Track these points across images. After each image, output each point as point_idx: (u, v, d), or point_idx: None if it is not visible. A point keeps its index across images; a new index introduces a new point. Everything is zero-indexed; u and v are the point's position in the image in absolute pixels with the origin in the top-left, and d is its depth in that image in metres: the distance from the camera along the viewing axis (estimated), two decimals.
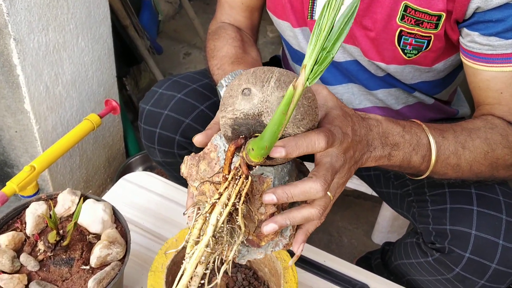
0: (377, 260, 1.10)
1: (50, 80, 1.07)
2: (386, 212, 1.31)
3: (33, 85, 1.03)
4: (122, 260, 0.72)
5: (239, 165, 0.49)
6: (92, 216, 0.75)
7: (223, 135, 0.53)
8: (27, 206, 0.76)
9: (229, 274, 0.77)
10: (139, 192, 1.01)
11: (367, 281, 0.93)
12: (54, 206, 0.78)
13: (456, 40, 0.77)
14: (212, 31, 0.98)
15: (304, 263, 0.93)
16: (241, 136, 0.50)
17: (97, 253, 0.70)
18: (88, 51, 1.16)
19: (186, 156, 0.57)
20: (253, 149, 0.47)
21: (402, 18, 0.76)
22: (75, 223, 0.68)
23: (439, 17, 0.73)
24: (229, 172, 0.50)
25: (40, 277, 0.70)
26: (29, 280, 0.69)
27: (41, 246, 0.72)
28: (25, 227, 0.75)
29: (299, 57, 0.96)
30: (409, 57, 0.80)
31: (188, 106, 0.93)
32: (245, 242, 0.55)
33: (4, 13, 0.90)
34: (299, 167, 0.60)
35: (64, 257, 0.72)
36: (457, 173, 0.71)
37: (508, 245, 0.74)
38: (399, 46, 0.79)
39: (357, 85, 0.91)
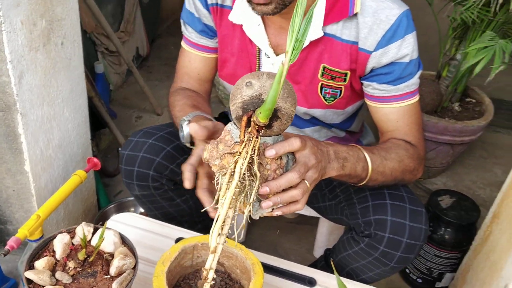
0: (322, 263, 1.40)
1: (44, 145, 1.31)
2: (323, 229, 1.62)
3: (32, 149, 1.26)
4: (134, 268, 0.97)
5: (250, 130, 0.75)
6: (106, 240, 0.99)
7: (235, 117, 0.78)
8: (54, 238, 0.99)
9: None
10: (126, 228, 1.25)
11: (314, 276, 1.21)
12: (73, 237, 1.02)
13: (359, 90, 1.12)
14: (174, 90, 1.24)
15: (264, 267, 1.21)
16: (250, 110, 0.76)
17: (116, 264, 0.95)
18: (71, 120, 1.41)
19: (206, 145, 0.82)
20: (260, 112, 0.74)
21: (322, 75, 1.10)
22: (100, 243, 0.93)
23: (346, 74, 1.09)
24: (244, 136, 0.76)
25: (73, 287, 0.93)
26: None
27: (71, 264, 0.95)
28: (54, 254, 0.98)
29: None
30: (328, 103, 1.14)
31: (158, 149, 1.19)
32: (258, 196, 0.80)
33: (14, 94, 1.15)
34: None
35: (89, 271, 0.95)
36: (383, 178, 1.03)
37: (413, 224, 1.06)
38: (321, 94, 1.13)
39: (290, 126, 1.24)
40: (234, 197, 0.76)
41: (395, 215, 1.06)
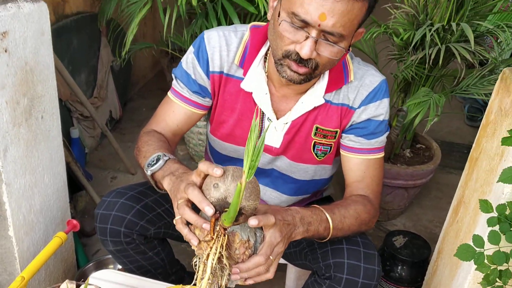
0: None
1: (26, 210, 1.42)
2: (291, 275, 1.74)
3: (15, 215, 1.37)
4: None
5: (218, 229, 0.91)
6: None
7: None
8: None
9: None
10: (106, 284, 1.35)
11: None
12: None
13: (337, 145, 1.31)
14: (148, 131, 1.33)
15: None
16: (216, 212, 0.90)
17: None
18: (50, 185, 1.53)
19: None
20: (225, 219, 0.90)
21: (315, 134, 1.28)
22: None
23: (336, 132, 1.28)
24: (214, 233, 0.91)
25: None
26: None
27: None
28: None
29: (223, 160, 1.41)
30: (319, 158, 1.32)
31: (128, 207, 1.30)
32: (231, 274, 0.96)
33: (0, 166, 1.27)
34: None
35: None
36: (342, 233, 1.18)
37: (367, 266, 1.19)
38: (313, 151, 1.31)
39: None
40: (209, 281, 0.90)
41: (351, 258, 1.20)
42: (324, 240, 1.17)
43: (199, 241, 0.94)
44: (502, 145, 0.94)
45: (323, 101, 1.24)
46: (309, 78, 1.14)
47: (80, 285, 1.13)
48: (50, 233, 1.57)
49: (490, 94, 1.81)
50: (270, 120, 1.28)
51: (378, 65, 2.12)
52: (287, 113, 1.26)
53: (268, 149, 1.31)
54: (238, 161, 1.39)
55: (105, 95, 2.70)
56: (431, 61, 1.75)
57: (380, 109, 1.24)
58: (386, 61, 2.10)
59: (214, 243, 0.91)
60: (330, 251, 1.24)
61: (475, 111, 3.30)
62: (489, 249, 0.94)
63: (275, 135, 1.29)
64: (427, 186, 2.47)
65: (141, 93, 3.37)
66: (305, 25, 1.03)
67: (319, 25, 1.02)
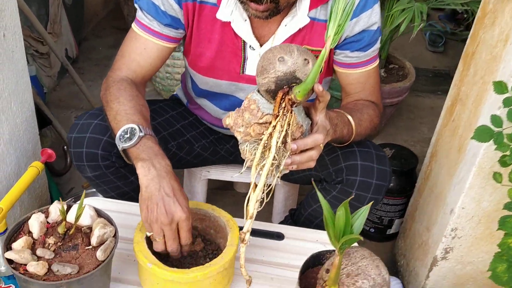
0: (288, 221, 1.47)
1: None
2: (279, 195, 1.70)
3: None
4: (115, 236, 1.00)
5: (285, 105, 0.84)
6: (82, 215, 1.01)
7: (266, 89, 0.86)
8: (28, 219, 0.99)
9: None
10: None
11: (282, 230, 1.28)
12: (47, 216, 1.02)
13: (331, 63, 1.22)
14: (119, 80, 1.16)
15: None
16: (285, 86, 0.84)
17: (97, 233, 0.97)
18: (18, 114, 1.39)
19: (230, 112, 0.90)
20: (299, 91, 0.82)
21: None
22: (82, 211, 0.95)
23: None
24: (278, 111, 0.84)
25: (57, 261, 0.94)
26: (49, 265, 0.93)
27: (51, 240, 0.96)
28: (30, 234, 0.98)
29: (205, 95, 1.32)
30: None
31: (104, 128, 1.18)
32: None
33: None
34: (306, 113, 0.95)
35: (70, 244, 0.97)
36: (360, 137, 1.15)
37: (380, 167, 1.17)
38: None
39: None
40: (271, 168, 0.83)
41: (364, 160, 1.18)
42: (344, 145, 1.13)
43: (248, 124, 0.87)
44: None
45: (308, 20, 1.13)
46: (276, 11, 1.05)
47: (71, 206, 1.04)
48: (22, 166, 1.45)
49: (467, 3, 1.79)
50: (253, 48, 1.18)
51: None
52: (270, 38, 1.16)
53: (254, 79, 1.22)
54: (221, 96, 1.30)
55: (60, 31, 2.50)
56: None
57: (373, 18, 1.14)
58: None
59: (278, 121, 0.84)
60: (341, 155, 1.20)
61: (435, 38, 3.35)
62: (507, 127, 0.92)
63: None
64: (399, 108, 2.49)
65: (95, 32, 3.16)
66: None
67: None
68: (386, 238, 1.75)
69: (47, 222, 1.01)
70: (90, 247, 0.97)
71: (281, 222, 1.53)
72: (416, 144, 2.33)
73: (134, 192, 1.34)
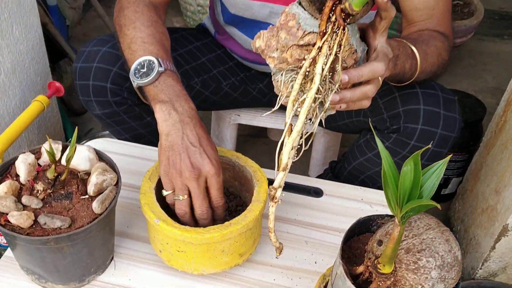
0: (328, 175, 1.27)
1: None
2: (318, 146, 1.49)
3: None
4: (116, 184, 0.82)
5: (335, 18, 0.60)
6: (79, 157, 0.83)
7: None
8: (15, 160, 0.83)
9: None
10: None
11: (320, 186, 1.08)
12: (39, 158, 0.85)
13: None
14: (130, 1, 0.96)
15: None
16: None
17: (94, 181, 0.79)
18: (22, 40, 1.21)
19: (261, 31, 0.66)
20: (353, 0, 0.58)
21: None
22: (73, 153, 0.77)
23: None
24: (326, 27, 0.60)
25: (45, 212, 0.77)
26: (36, 216, 0.76)
27: (39, 187, 0.79)
28: (17, 178, 0.81)
29: (235, 22, 1.10)
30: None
31: (113, 57, 1.00)
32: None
33: None
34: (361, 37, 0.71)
35: (62, 192, 0.80)
36: (425, 75, 0.90)
37: (447, 114, 0.94)
38: None
39: None
40: (313, 104, 0.60)
41: (428, 104, 0.95)
42: (405, 84, 0.90)
43: (285, 47, 0.63)
44: None
45: None
46: None
47: (67, 146, 0.86)
48: (28, 101, 1.28)
49: None
50: None
51: None
52: None
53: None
54: (253, 24, 1.07)
55: None
56: None
57: None
58: None
59: (326, 40, 0.59)
60: (399, 97, 0.98)
61: None
62: None
63: None
64: (459, 53, 2.18)
65: None
66: None
67: None
68: (440, 198, 1.53)
69: (38, 165, 0.83)
70: (86, 196, 0.80)
71: (319, 176, 1.31)
72: (478, 94, 2.04)
73: (152, 136, 1.15)
